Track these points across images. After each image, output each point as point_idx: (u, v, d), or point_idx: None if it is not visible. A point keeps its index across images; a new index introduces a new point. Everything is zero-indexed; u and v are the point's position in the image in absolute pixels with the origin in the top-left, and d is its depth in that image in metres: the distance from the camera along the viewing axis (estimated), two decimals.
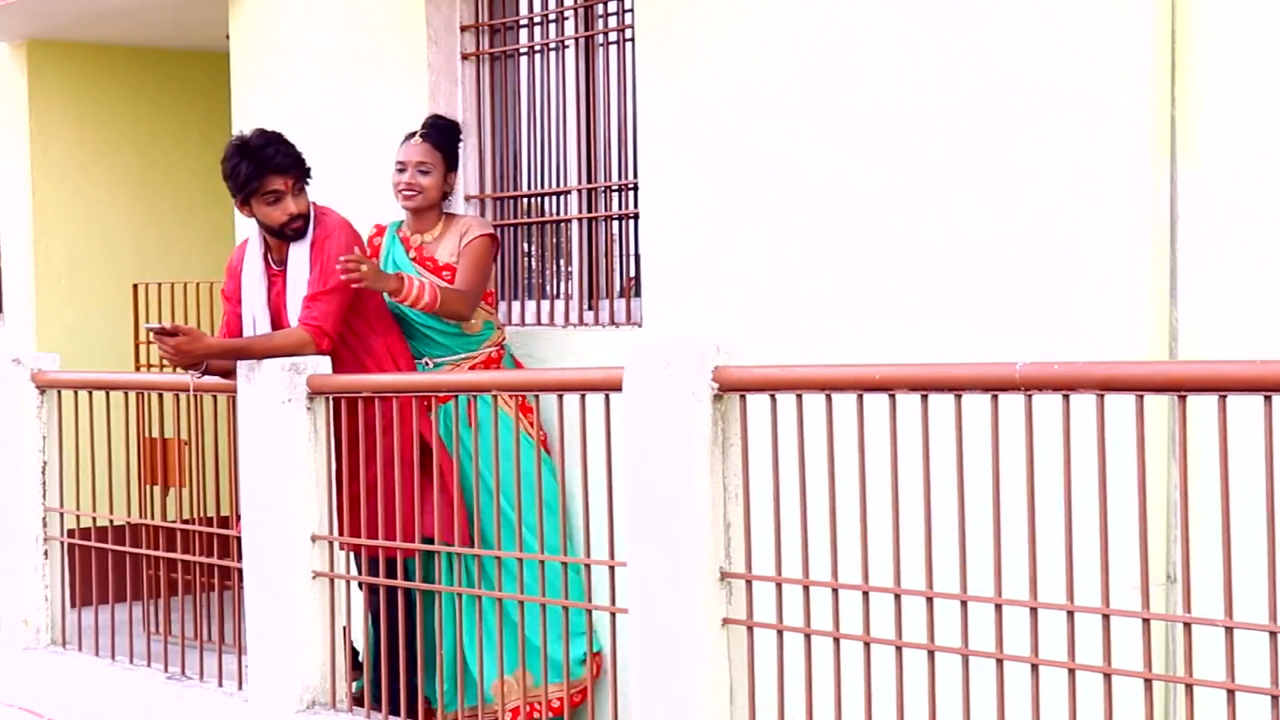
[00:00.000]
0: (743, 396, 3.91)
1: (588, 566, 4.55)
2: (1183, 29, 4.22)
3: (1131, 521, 3.45)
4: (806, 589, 3.80)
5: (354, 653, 5.45)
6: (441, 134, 5.78)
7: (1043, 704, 3.40)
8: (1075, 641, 3.34)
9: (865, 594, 3.67)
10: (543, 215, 6.20)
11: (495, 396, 4.65)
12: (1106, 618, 3.29)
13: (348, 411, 5.05)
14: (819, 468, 3.80)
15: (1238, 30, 4.16)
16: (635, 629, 4.02)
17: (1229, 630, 3.08)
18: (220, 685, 5.45)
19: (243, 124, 5.94)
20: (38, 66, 8.77)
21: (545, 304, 6.11)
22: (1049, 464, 3.48)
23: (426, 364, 5.67)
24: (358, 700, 5.16)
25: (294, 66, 6.95)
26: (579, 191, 5.99)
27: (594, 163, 5.98)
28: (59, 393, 6.20)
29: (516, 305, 6.21)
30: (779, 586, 3.85)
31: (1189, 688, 3.16)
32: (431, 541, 4.99)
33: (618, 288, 5.91)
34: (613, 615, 4.23)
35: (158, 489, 6.48)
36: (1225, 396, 3.08)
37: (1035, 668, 3.40)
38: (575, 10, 5.99)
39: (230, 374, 5.24)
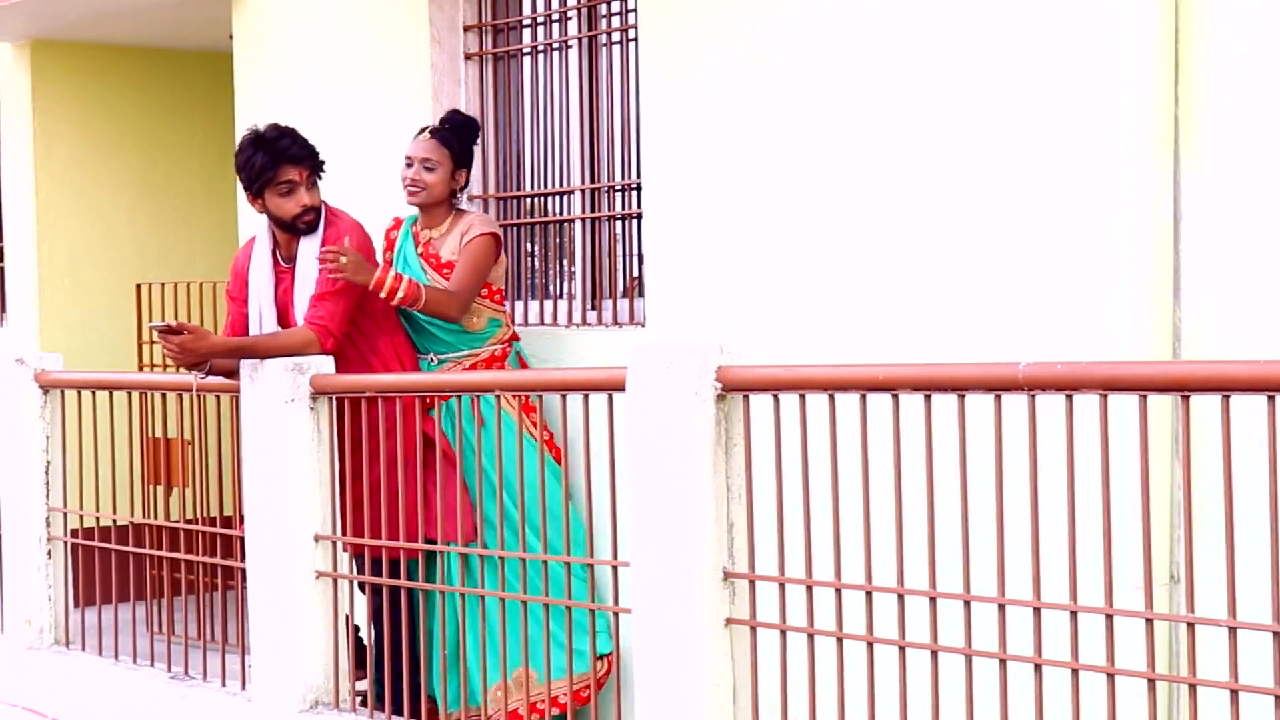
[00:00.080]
0: (746, 396, 3.90)
1: (591, 567, 4.54)
2: (1186, 29, 4.22)
3: (1135, 521, 3.45)
4: (809, 589, 3.80)
5: (359, 647, 5.44)
6: (452, 131, 5.74)
7: (1046, 704, 3.40)
8: (1078, 641, 3.34)
9: (868, 594, 3.67)
10: (546, 215, 6.20)
11: (498, 396, 4.63)
12: (1110, 618, 3.29)
13: (351, 411, 5.05)
14: (822, 468, 3.80)
15: (1241, 30, 4.16)
16: (638, 629, 4.02)
17: (1232, 630, 3.08)
18: (223, 685, 5.46)
19: (246, 124, 5.94)
20: (41, 66, 8.76)
21: (548, 304, 6.11)
22: (1052, 464, 3.48)
23: (431, 360, 5.66)
24: (367, 699, 5.15)
25: (297, 67, 6.95)
26: (582, 191, 5.99)
27: (597, 163, 5.98)
28: (62, 393, 6.20)
29: (520, 305, 6.20)
30: (782, 586, 3.85)
31: (1192, 688, 3.16)
32: (434, 543, 4.99)
33: (621, 288, 5.91)
34: (616, 615, 4.23)
35: (161, 489, 6.48)
36: (1228, 396, 3.08)
37: (1038, 668, 3.40)
38: (578, 10, 5.99)
39: (234, 374, 5.23)
